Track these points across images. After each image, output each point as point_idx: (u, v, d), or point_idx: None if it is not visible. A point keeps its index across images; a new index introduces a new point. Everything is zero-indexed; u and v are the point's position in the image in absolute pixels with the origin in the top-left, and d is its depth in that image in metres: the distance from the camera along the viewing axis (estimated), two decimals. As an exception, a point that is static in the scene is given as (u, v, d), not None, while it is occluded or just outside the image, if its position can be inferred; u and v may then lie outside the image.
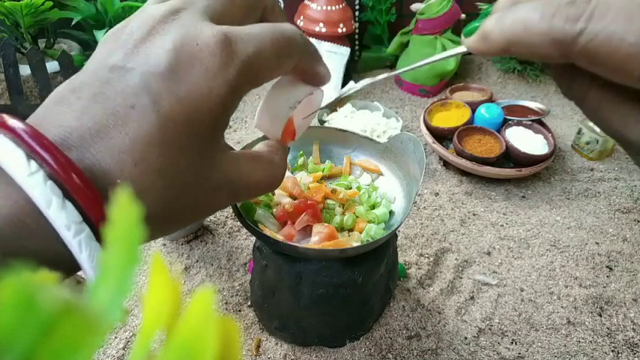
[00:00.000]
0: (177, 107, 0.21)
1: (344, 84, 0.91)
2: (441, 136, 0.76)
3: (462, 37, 0.26)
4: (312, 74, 0.28)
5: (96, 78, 0.21)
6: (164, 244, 0.60)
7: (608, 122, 0.22)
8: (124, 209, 0.11)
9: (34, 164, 0.18)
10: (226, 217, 0.64)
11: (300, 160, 0.49)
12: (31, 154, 0.18)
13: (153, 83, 0.21)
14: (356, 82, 0.39)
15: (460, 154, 0.71)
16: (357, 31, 0.99)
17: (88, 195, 0.19)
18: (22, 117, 0.20)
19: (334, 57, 0.89)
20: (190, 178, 0.22)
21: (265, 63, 0.23)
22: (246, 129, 0.85)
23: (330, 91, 0.89)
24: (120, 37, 0.22)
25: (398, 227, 0.40)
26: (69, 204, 0.19)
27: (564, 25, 0.20)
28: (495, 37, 0.23)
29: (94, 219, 0.19)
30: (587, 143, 0.77)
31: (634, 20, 0.18)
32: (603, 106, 0.22)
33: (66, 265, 0.20)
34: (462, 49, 0.27)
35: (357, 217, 0.44)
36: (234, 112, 0.24)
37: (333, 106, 0.40)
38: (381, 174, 0.49)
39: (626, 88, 0.21)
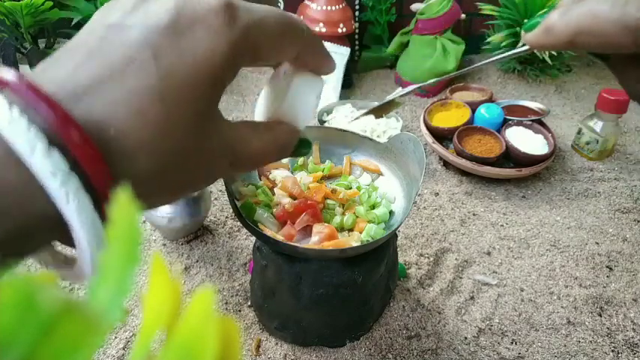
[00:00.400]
0: (179, 62, 0.20)
1: (344, 84, 0.91)
2: (441, 136, 0.76)
3: (522, 32, 0.26)
4: (319, 64, 0.28)
5: (92, 36, 0.20)
6: (164, 244, 0.60)
7: None
8: (124, 209, 0.11)
9: (16, 111, 0.17)
10: (226, 217, 0.64)
11: (300, 160, 0.49)
12: (18, 100, 0.17)
13: (154, 37, 0.20)
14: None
15: (460, 154, 0.71)
16: (357, 31, 0.99)
17: (83, 147, 0.18)
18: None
19: (334, 57, 0.89)
20: (189, 140, 0.21)
21: (267, 37, 0.23)
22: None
23: (330, 91, 0.89)
24: (118, 2, 0.22)
25: (398, 227, 0.41)
26: (55, 151, 0.17)
27: (638, 12, 0.20)
28: (560, 29, 0.23)
29: (88, 171, 0.18)
30: (587, 143, 0.77)
31: None
32: None
33: (54, 228, 0.18)
34: (526, 47, 0.27)
35: (357, 217, 0.44)
36: (230, 82, 0.24)
37: (379, 111, 0.40)
38: (381, 174, 0.49)
39: None
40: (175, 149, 0.21)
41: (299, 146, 0.29)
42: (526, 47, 0.26)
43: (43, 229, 0.18)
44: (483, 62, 0.33)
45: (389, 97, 0.36)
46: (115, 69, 0.19)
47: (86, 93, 0.19)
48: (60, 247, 0.23)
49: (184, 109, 0.21)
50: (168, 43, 0.20)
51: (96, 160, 0.18)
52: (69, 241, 0.19)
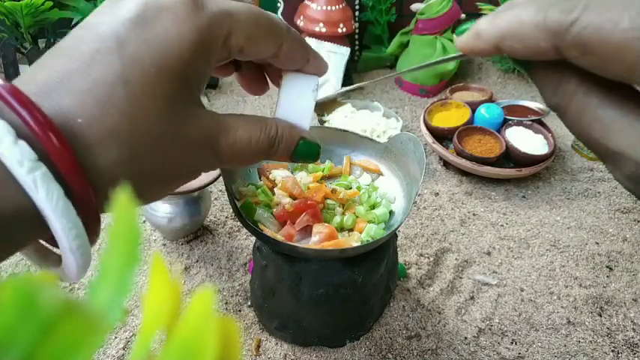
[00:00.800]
0: (145, 49, 0.21)
1: (344, 84, 0.91)
2: (441, 136, 0.76)
3: (454, 37, 0.26)
4: (305, 62, 0.28)
5: (69, 37, 0.22)
6: (164, 244, 0.60)
7: (589, 131, 0.21)
8: (123, 209, 0.11)
9: None
10: (226, 217, 0.64)
11: (300, 160, 0.49)
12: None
13: (120, 29, 0.21)
14: (354, 82, 0.39)
15: (460, 154, 0.71)
16: (357, 31, 0.99)
17: (48, 134, 0.18)
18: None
19: (334, 57, 0.89)
20: (159, 126, 0.21)
21: (239, 27, 0.23)
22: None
23: (331, 90, 0.89)
24: (99, 7, 0.23)
25: (398, 227, 0.41)
26: (22, 142, 0.18)
27: (559, 15, 0.20)
28: (488, 33, 0.23)
29: (55, 159, 0.18)
30: (587, 143, 0.77)
31: (627, 9, 0.18)
32: (587, 113, 0.21)
33: (33, 221, 0.19)
34: (459, 52, 0.27)
35: (357, 217, 0.44)
36: (208, 74, 0.24)
37: (325, 107, 0.39)
38: (381, 174, 0.49)
39: (611, 92, 0.20)
40: (144, 135, 0.21)
41: (304, 149, 0.28)
42: (459, 53, 0.26)
43: (20, 221, 0.19)
44: (390, 75, 0.34)
45: (334, 94, 0.36)
46: (82, 61, 0.20)
47: (57, 86, 0.20)
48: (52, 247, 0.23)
49: (151, 95, 0.21)
50: (134, 33, 0.21)
51: (63, 149, 0.18)
52: (53, 240, 0.20)
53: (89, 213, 0.20)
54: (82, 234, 0.19)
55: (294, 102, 0.29)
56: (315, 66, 0.29)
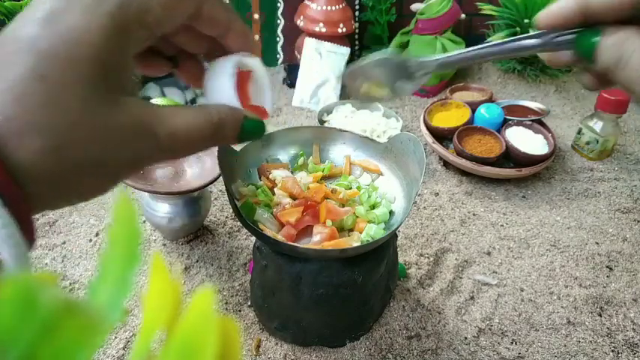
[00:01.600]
0: (57, 43, 0.21)
1: (344, 85, 0.91)
2: (441, 136, 0.76)
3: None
4: (227, 24, 0.28)
5: None
6: (164, 244, 0.60)
7: None
8: (123, 209, 0.11)
9: None
10: (226, 217, 0.64)
11: (300, 160, 0.49)
12: None
13: (34, 29, 0.21)
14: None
15: (460, 154, 0.71)
16: (357, 31, 0.99)
17: None
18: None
19: (334, 57, 0.89)
20: (86, 117, 0.22)
21: (154, 0, 0.24)
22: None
23: (330, 91, 0.89)
24: None
25: (398, 227, 0.41)
26: None
27: None
28: None
29: None
30: (587, 143, 0.77)
31: None
32: None
33: None
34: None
35: (357, 217, 0.44)
36: (129, 60, 0.24)
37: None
38: (381, 174, 0.49)
39: None
40: (67, 125, 0.21)
41: (249, 128, 0.28)
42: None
43: None
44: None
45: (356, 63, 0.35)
46: (0, 63, 0.21)
47: None
48: None
49: (69, 85, 0.21)
50: (45, 30, 0.21)
51: None
52: None
53: (19, 212, 0.20)
54: (13, 232, 0.20)
55: (216, 85, 0.29)
56: (238, 35, 0.29)
